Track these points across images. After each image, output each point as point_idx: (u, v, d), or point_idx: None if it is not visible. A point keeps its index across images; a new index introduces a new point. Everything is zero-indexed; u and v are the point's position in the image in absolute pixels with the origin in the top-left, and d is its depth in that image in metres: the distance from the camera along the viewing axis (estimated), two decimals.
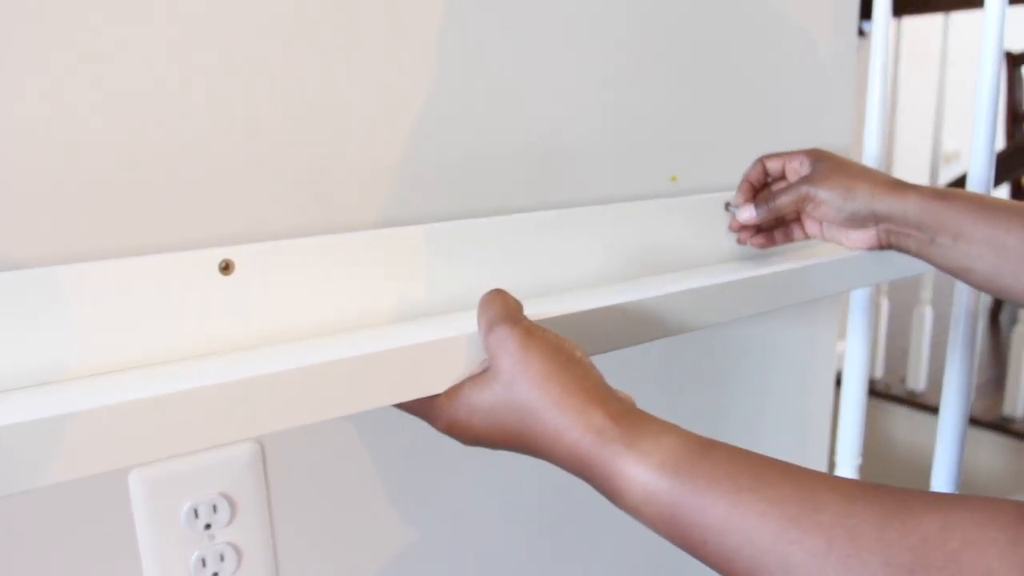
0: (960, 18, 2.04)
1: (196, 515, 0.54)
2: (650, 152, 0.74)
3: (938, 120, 2.02)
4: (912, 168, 2.44)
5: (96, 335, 0.44)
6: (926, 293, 2.07)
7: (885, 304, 2.19)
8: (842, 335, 0.97)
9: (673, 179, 0.75)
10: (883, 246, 0.62)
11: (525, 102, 0.65)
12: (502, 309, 0.43)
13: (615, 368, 0.75)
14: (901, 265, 0.66)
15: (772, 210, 0.65)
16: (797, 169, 0.66)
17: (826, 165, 0.63)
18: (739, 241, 0.70)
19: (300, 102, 0.53)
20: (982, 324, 0.76)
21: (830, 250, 0.68)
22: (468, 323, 0.46)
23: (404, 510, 0.65)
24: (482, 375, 0.43)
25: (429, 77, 0.59)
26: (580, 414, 0.38)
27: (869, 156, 0.85)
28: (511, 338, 0.41)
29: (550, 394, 0.39)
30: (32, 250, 0.45)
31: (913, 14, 2.05)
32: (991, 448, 1.92)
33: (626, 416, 0.39)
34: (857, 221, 0.62)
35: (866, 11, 0.90)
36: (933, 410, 2.06)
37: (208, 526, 0.55)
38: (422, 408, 0.46)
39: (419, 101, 0.58)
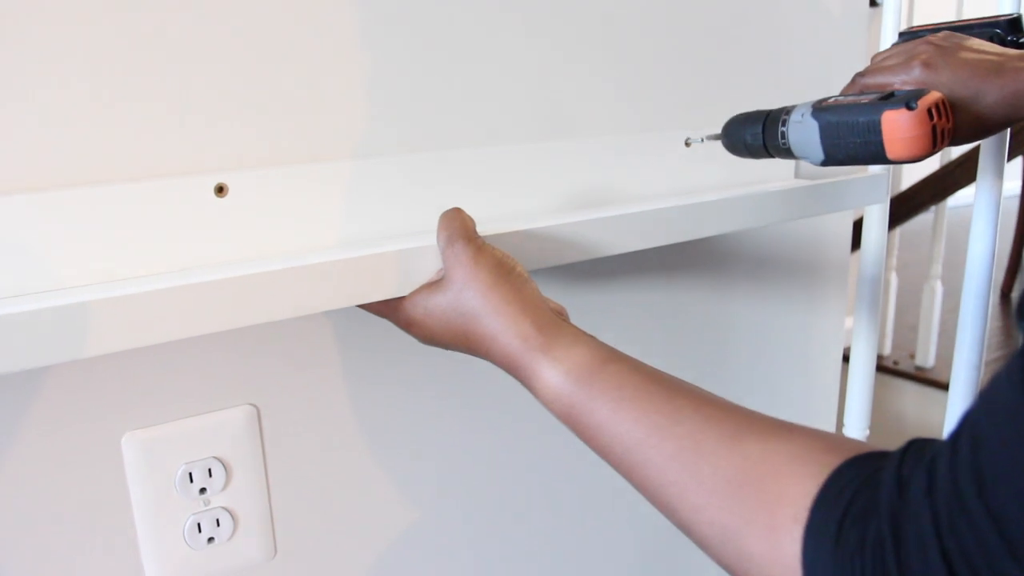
0: None
1: (191, 479, 0.54)
2: (659, 115, 0.72)
3: None
4: None
5: (106, 247, 0.48)
6: (936, 268, 2.04)
7: (894, 280, 2.16)
8: (850, 311, 0.96)
9: (687, 145, 0.73)
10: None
11: (519, 48, 0.63)
12: (460, 226, 0.49)
13: (628, 332, 0.75)
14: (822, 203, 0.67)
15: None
16: None
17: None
18: None
19: (295, 44, 0.54)
20: (993, 300, 0.75)
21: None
22: (429, 238, 0.51)
23: (402, 474, 0.65)
24: (439, 282, 0.49)
25: (418, 22, 0.58)
26: (512, 322, 0.45)
27: None
28: (464, 252, 0.48)
29: (491, 302, 0.46)
30: (48, 175, 0.47)
31: None
32: None
33: (549, 326, 0.46)
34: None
35: None
36: (942, 386, 2.04)
37: (203, 490, 0.54)
38: (387, 308, 0.52)
39: (406, 47, 0.58)
